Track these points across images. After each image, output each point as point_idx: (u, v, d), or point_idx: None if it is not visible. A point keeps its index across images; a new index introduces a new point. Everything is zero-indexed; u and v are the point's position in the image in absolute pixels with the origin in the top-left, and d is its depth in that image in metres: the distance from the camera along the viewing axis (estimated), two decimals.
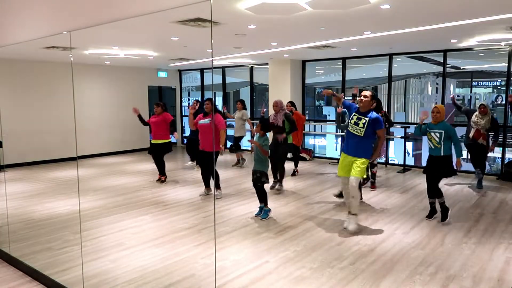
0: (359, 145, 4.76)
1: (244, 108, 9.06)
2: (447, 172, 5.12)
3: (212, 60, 10.59)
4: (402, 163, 8.83)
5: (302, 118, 8.11)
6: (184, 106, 13.32)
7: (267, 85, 10.74)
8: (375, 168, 6.96)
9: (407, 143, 8.97)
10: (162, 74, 12.47)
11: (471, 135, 6.93)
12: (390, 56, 8.97)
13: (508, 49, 7.57)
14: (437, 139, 5.08)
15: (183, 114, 13.26)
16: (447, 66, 8.35)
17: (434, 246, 4.33)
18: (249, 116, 9.56)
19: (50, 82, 9.54)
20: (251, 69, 11.49)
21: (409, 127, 8.94)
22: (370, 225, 5.05)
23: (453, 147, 5.08)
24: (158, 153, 7.34)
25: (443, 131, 5.05)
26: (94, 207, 5.92)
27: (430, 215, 5.28)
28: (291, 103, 8.00)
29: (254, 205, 5.97)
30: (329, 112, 10.97)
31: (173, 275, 3.66)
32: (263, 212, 5.31)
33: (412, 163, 9.67)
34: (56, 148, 9.44)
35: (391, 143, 9.60)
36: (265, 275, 3.63)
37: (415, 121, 10.48)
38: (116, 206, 5.93)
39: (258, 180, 5.27)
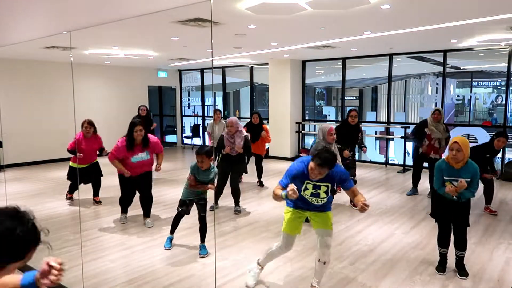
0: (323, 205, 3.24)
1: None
2: (467, 220, 3.66)
3: (212, 60, 10.59)
4: (402, 163, 8.83)
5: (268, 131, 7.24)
6: (184, 106, 13.34)
7: (267, 85, 10.74)
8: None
9: (407, 143, 8.95)
10: (162, 74, 12.48)
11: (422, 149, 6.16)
12: (390, 56, 8.97)
13: (508, 49, 7.57)
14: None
15: (183, 114, 13.29)
16: (447, 66, 8.34)
17: (434, 246, 4.31)
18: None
19: (50, 82, 9.54)
20: (251, 69, 11.49)
21: (409, 127, 8.93)
22: (370, 225, 5.06)
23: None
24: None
25: (469, 179, 3.39)
26: (94, 207, 5.93)
27: (443, 267, 3.75)
28: (258, 114, 7.16)
29: (254, 205, 5.99)
30: (329, 112, 10.98)
31: (173, 275, 3.66)
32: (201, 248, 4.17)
33: (412, 163, 9.64)
34: (56, 148, 9.41)
35: (391, 143, 9.60)
36: (265, 275, 3.62)
37: (415, 121, 10.49)
38: (116, 206, 5.92)
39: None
